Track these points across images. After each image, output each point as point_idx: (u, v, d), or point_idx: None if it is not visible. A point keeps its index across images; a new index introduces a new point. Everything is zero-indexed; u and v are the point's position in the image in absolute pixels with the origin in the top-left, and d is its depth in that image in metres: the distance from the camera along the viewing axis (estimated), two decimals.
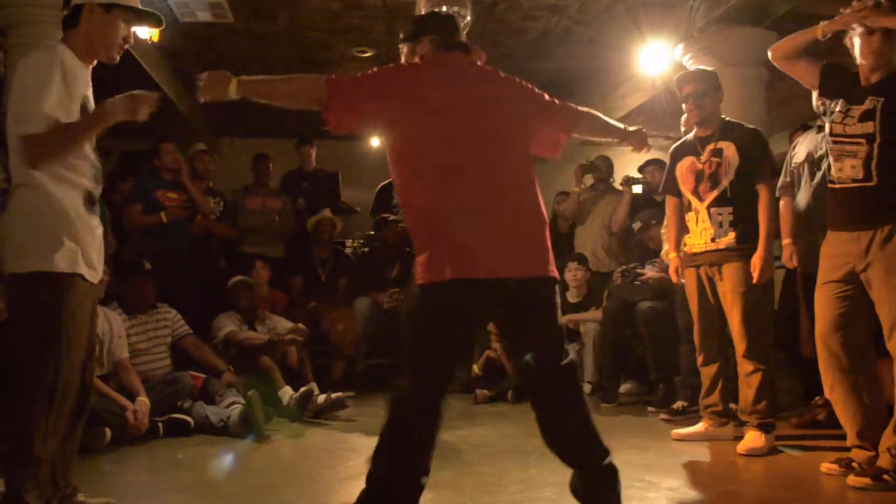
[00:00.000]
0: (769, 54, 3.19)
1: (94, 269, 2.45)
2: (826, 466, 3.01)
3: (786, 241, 3.90)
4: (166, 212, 5.06)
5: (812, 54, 3.11)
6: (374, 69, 2.28)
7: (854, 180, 2.92)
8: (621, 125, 2.61)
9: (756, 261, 3.47)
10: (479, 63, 2.40)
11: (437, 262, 2.10)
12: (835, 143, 3.00)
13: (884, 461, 2.80)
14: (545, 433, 2.18)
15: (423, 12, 4.17)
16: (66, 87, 2.33)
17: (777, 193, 4.09)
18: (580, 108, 2.51)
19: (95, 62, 2.52)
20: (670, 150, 3.96)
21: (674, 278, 3.93)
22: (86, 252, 2.40)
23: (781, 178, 4.10)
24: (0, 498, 2.29)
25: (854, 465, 2.89)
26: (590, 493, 2.18)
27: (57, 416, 2.30)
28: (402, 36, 2.49)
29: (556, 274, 2.25)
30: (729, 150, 3.60)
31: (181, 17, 5.20)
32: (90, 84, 2.50)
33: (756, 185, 3.56)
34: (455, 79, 2.28)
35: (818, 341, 3.03)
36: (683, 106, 3.77)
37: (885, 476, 2.75)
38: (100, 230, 2.50)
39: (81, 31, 2.43)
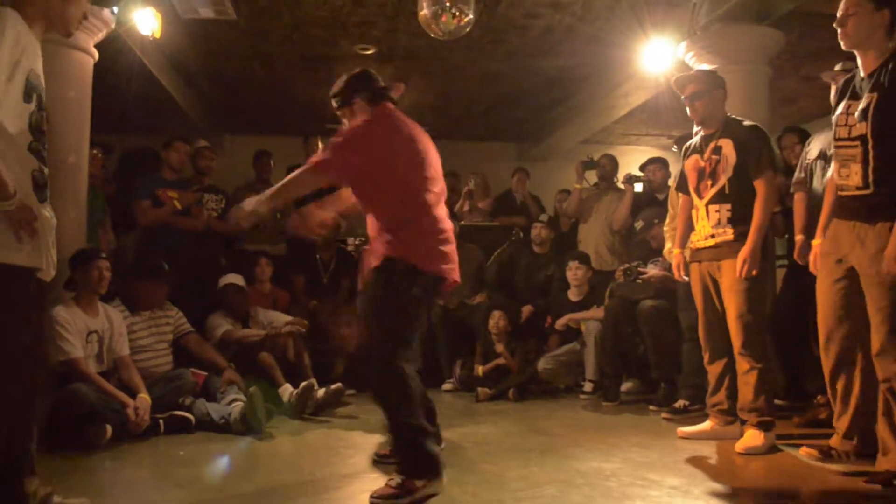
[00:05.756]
0: None
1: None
2: (805, 451, 3.07)
3: (798, 236, 3.86)
4: (179, 199, 5.09)
5: None
6: (349, 129, 2.80)
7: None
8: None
9: (741, 254, 3.44)
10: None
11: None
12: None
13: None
14: None
15: (424, 11, 4.18)
16: (11, 55, 2.09)
17: (791, 189, 4.07)
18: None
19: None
20: (683, 149, 3.96)
21: (676, 275, 3.92)
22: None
23: (796, 174, 4.08)
24: None
25: (833, 452, 2.93)
26: None
27: None
28: (335, 104, 2.96)
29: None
30: (727, 147, 3.60)
31: (183, 14, 5.17)
32: (40, 57, 2.29)
33: (754, 180, 3.54)
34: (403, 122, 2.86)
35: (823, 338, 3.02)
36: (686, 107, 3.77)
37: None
38: (54, 221, 2.33)
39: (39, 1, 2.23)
